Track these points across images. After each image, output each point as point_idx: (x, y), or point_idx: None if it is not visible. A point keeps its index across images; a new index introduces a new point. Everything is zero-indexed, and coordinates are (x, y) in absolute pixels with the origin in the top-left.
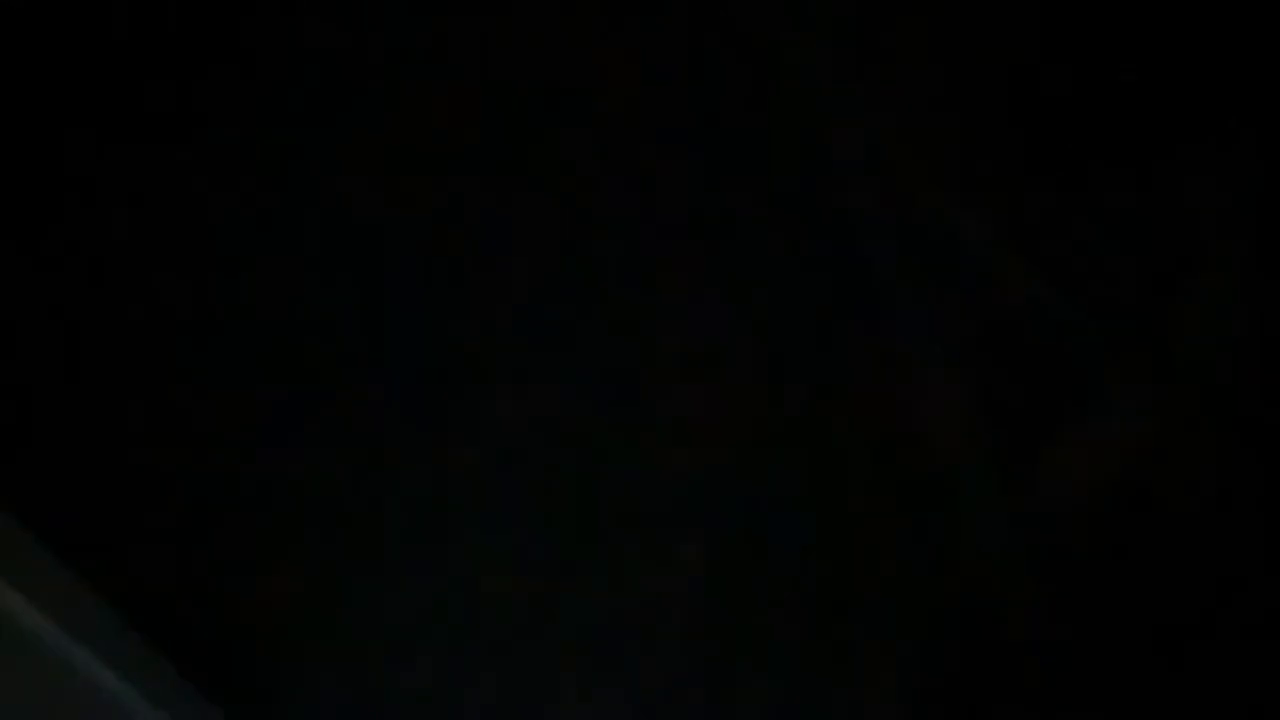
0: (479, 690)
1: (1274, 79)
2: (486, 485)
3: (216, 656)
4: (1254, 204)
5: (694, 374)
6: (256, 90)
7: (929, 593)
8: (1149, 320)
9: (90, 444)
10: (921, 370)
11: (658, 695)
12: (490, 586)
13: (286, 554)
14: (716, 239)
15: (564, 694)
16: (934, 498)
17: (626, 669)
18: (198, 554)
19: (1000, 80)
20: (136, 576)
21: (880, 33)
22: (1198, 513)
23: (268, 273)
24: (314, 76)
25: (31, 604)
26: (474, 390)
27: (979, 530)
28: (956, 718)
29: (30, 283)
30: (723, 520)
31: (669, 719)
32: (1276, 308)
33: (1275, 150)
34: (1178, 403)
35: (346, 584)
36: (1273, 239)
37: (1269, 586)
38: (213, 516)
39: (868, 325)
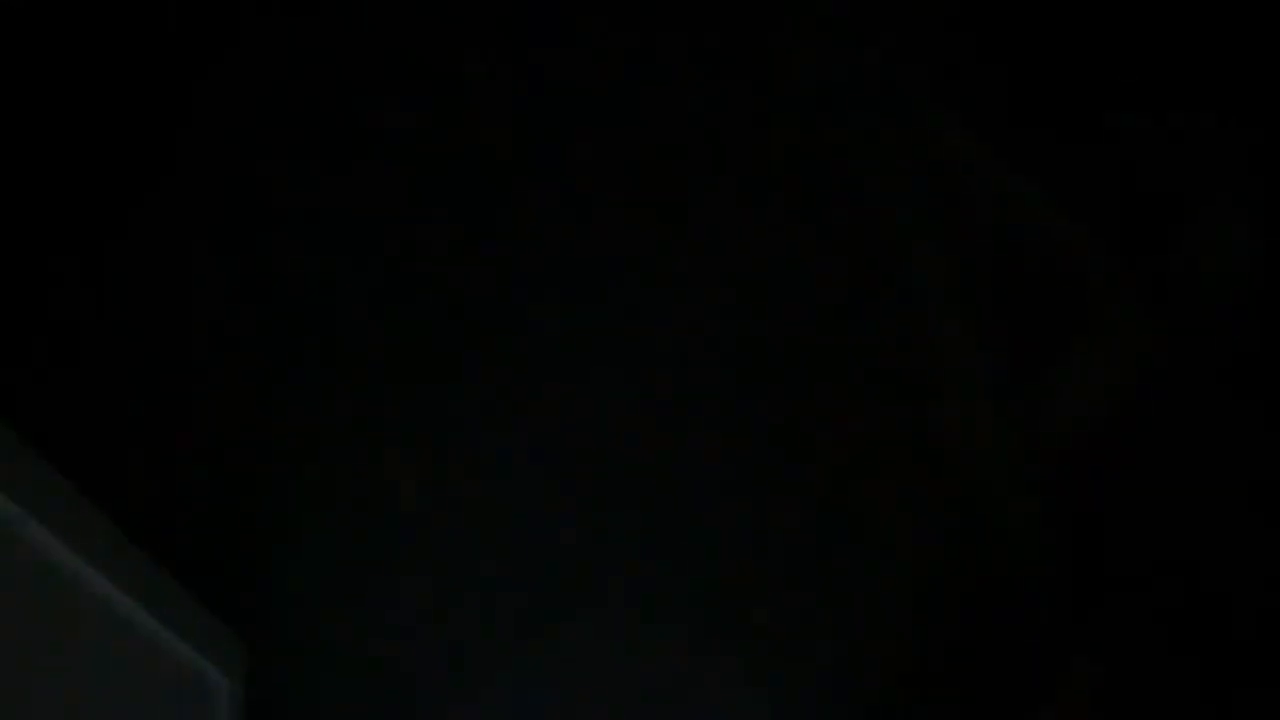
0: (490, 624)
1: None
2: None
3: (241, 589)
4: (1258, 134)
5: (709, 296)
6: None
7: (931, 516)
8: (1151, 245)
9: (110, 379)
10: (925, 293)
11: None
12: (505, 508)
13: (308, 485)
14: (722, 159)
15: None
16: (936, 419)
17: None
18: (218, 485)
19: (1009, 2)
20: (158, 509)
21: None
22: (1197, 437)
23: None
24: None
25: (57, 539)
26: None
27: (980, 454)
28: (957, 645)
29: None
30: (728, 432)
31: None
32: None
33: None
34: (1178, 328)
35: (366, 518)
36: (1275, 167)
37: (1266, 508)
38: (232, 447)
39: (871, 250)
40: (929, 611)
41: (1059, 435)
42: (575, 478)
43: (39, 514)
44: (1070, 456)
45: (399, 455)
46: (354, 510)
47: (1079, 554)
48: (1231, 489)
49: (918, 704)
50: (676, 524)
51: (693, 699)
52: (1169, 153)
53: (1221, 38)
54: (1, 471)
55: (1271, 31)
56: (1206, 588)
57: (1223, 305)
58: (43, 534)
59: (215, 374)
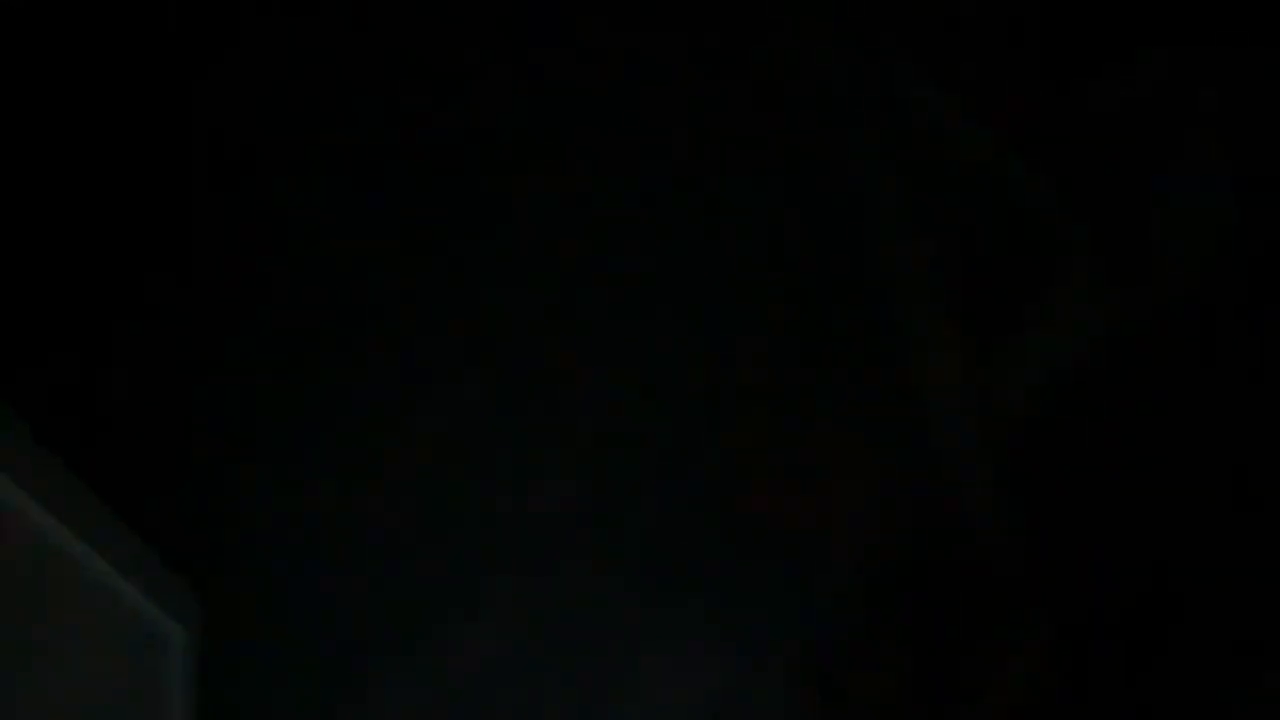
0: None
1: None
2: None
3: (196, 541)
4: (1238, 99)
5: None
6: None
7: (888, 486)
8: (1122, 209)
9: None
10: (892, 249)
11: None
12: (465, 468)
13: (258, 440)
14: (703, 108)
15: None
16: (900, 377)
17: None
18: (176, 437)
19: None
20: (115, 458)
21: None
22: (1160, 409)
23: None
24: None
25: (12, 484)
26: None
27: (942, 413)
28: (907, 617)
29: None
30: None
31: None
32: (1252, 204)
33: (1263, 46)
34: (1146, 293)
35: (319, 470)
36: (1252, 133)
37: (1229, 478)
38: (193, 402)
39: (843, 205)
40: (881, 583)
41: (1019, 405)
42: (554, 444)
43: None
44: (1029, 427)
45: (363, 419)
46: (312, 465)
47: (1032, 528)
48: (1196, 464)
49: (867, 673)
50: (641, 490)
51: (645, 663)
52: (1142, 118)
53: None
54: None
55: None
56: (1160, 562)
57: (1191, 274)
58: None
59: (199, 351)
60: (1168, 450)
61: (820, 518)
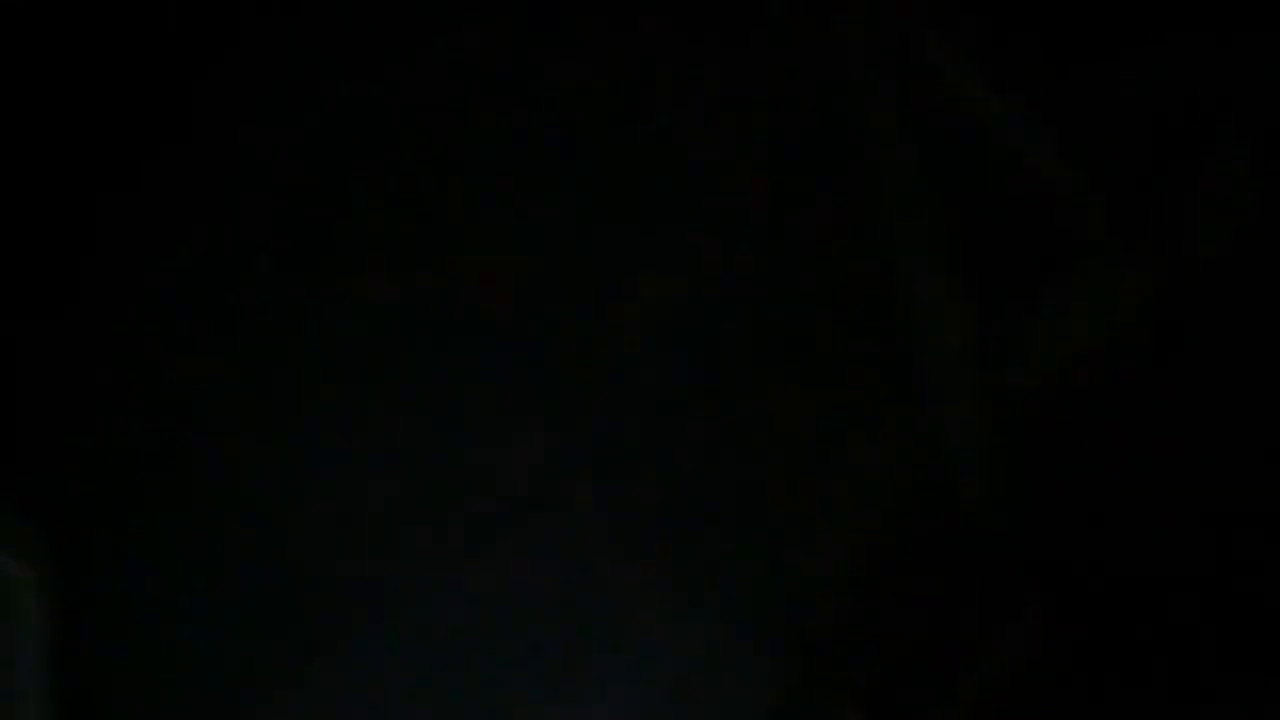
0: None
1: None
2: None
3: (40, 485)
4: (1264, 83)
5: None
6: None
7: (891, 465)
8: (1145, 190)
9: None
10: (901, 223)
11: None
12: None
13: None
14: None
15: None
16: (904, 357)
17: None
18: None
19: None
20: None
21: None
22: (1171, 389)
23: None
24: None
25: None
26: None
27: (948, 395)
28: (905, 599)
29: None
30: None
31: None
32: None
33: None
34: (1165, 275)
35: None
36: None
37: (1243, 466)
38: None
39: (851, 174)
40: (874, 558)
41: (1028, 388)
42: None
43: None
44: (1037, 410)
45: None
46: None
47: (1029, 510)
48: (1209, 452)
49: (857, 645)
50: (631, 450)
51: (624, 625)
52: (1167, 97)
53: None
54: None
55: None
56: (1158, 553)
57: (1212, 257)
58: None
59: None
60: (1180, 437)
61: (815, 493)
